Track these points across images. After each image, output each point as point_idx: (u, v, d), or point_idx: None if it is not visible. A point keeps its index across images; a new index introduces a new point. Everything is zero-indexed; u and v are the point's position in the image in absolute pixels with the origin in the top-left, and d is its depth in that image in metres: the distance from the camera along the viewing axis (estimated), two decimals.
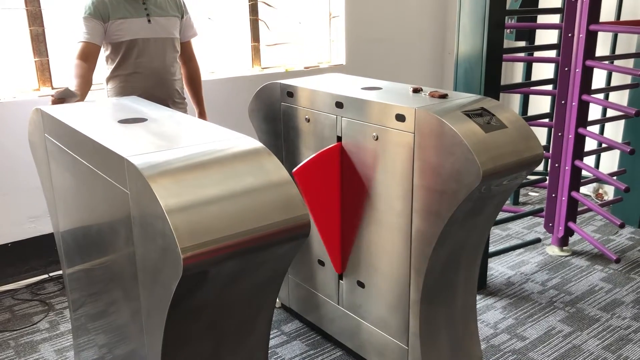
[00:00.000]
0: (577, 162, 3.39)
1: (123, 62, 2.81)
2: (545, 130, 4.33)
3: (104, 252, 1.80)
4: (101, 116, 1.97)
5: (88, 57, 2.71)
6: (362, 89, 2.43)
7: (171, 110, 2.08)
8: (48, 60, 3.30)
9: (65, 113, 1.98)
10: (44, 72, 3.30)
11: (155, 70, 2.84)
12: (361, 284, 2.47)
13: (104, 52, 2.82)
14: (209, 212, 1.36)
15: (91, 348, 2.16)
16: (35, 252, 3.35)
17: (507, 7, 3.04)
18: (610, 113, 3.78)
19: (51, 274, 3.39)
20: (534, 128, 2.22)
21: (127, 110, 2.04)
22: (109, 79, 2.87)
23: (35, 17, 3.22)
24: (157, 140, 1.65)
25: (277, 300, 3.02)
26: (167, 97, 2.88)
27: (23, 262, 3.35)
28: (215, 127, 1.78)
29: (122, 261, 1.64)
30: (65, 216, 2.09)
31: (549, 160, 3.53)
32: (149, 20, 2.79)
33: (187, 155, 1.49)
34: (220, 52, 4.00)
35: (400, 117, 2.09)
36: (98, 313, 2.02)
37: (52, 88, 3.32)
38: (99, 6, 2.71)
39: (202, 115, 3.16)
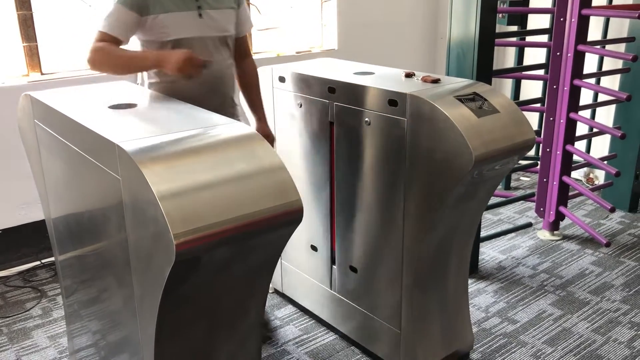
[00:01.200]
0: (568, 147, 3.40)
1: None
2: (536, 115, 4.34)
3: (96, 238, 1.79)
4: (91, 102, 1.96)
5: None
6: (355, 74, 2.42)
7: (162, 96, 2.06)
8: (37, 45, 3.26)
9: (55, 99, 1.96)
10: (33, 57, 3.26)
11: (208, 76, 2.17)
12: (354, 269, 2.48)
13: None
14: (201, 198, 1.35)
15: (84, 334, 2.16)
16: (27, 239, 3.33)
17: None
18: (602, 97, 3.79)
19: (43, 261, 3.38)
20: (525, 113, 2.23)
21: (118, 96, 2.02)
22: (149, 86, 2.29)
23: (23, 1, 3.17)
24: (149, 125, 1.64)
25: (270, 285, 3.03)
26: (220, 107, 2.22)
27: (15, 249, 3.33)
28: (206, 113, 1.77)
29: (115, 247, 1.63)
30: (57, 203, 2.08)
31: (541, 145, 3.54)
32: (200, 15, 2.19)
33: (178, 141, 1.49)
34: None
35: (393, 102, 2.09)
36: (91, 299, 2.02)
37: (42, 74, 3.28)
38: None
39: (261, 121, 2.51)
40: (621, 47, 3.79)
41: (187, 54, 1.98)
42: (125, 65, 2.14)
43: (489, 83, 2.88)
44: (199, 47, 2.18)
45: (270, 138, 2.48)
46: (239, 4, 2.33)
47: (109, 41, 2.09)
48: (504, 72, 3.94)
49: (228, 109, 2.33)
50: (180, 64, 1.96)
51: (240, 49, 2.43)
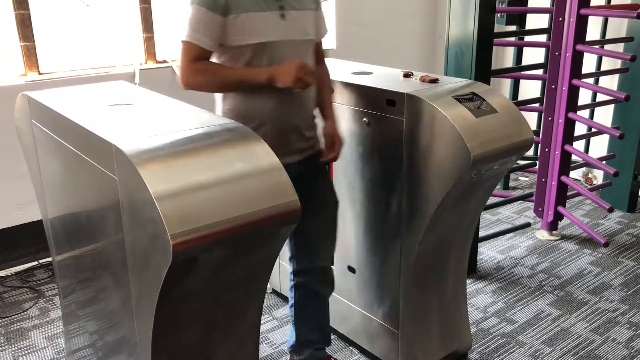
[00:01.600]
0: (566, 147, 3.40)
1: None
2: (535, 115, 4.34)
3: (93, 238, 1.79)
4: (88, 102, 1.95)
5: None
6: (353, 73, 2.42)
7: (159, 95, 2.05)
8: (34, 45, 3.25)
9: (52, 99, 1.95)
10: (31, 57, 3.26)
11: (290, 87, 1.91)
12: (352, 269, 2.48)
13: (216, 59, 1.95)
14: (198, 198, 1.35)
15: (82, 335, 2.16)
16: (24, 239, 3.33)
17: None
18: (600, 97, 3.79)
19: (41, 261, 3.38)
20: (524, 113, 2.22)
21: (115, 95, 2.01)
22: (224, 96, 2.03)
23: (21, 1, 3.16)
24: (146, 126, 1.63)
25: (268, 285, 3.03)
26: (302, 123, 2.05)
27: (12, 249, 3.33)
28: (204, 113, 1.76)
29: (112, 248, 1.63)
30: (54, 203, 2.08)
31: (539, 144, 3.54)
32: (283, 15, 1.93)
33: (176, 141, 1.48)
34: None
35: (391, 102, 2.08)
36: (88, 300, 2.01)
37: (39, 73, 3.28)
38: None
39: (330, 120, 2.16)
40: (620, 47, 3.79)
41: (298, 62, 1.84)
42: (234, 87, 1.94)
43: (488, 83, 2.88)
44: (285, 52, 1.93)
45: (336, 139, 2.12)
46: (317, 5, 2.10)
47: (200, 55, 1.86)
48: (503, 72, 3.94)
49: (310, 126, 2.10)
50: (295, 74, 1.83)
51: (318, 55, 2.16)
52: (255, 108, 1.96)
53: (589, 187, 4.18)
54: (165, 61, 3.64)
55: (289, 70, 1.83)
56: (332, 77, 2.35)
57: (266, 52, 1.91)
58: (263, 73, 1.88)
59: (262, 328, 2.72)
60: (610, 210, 3.35)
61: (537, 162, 3.60)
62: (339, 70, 2.52)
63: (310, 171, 2.10)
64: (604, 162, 3.54)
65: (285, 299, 2.99)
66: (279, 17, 1.93)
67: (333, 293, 2.29)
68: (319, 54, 2.19)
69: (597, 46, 3.63)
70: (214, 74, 1.90)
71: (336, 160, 2.15)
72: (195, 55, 1.86)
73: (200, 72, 1.88)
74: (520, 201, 4.04)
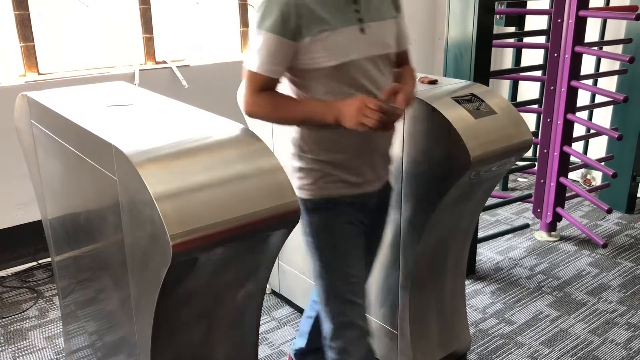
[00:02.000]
0: (565, 148, 3.41)
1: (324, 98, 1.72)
2: (534, 116, 4.34)
3: (92, 239, 1.79)
4: (88, 102, 1.95)
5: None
6: None
7: (158, 96, 2.05)
8: (34, 45, 3.26)
9: (52, 99, 1.95)
10: (30, 57, 3.26)
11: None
12: None
13: (286, 82, 1.76)
14: (198, 198, 1.35)
15: (81, 335, 2.16)
16: (23, 240, 3.33)
17: None
18: (599, 99, 3.80)
19: (40, 261, 3.38)
20: (523, 114, 2.23)
21: (114, 96, 2.02)
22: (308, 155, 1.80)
23: (20, 1, 3.16)
24: (146, 126, 1.64)
25: (268, 286, 3.03)
26: (385, 150, 1.85)
27: (11, 250, 3.33)
28: (204, 113, 1.77)
29: (111, 248, 1.63)
30: (53, 203, 2.08)
31: (538, 146, 3.55)
32: (362, 30, 1.69)
33: (175, 142, 1.48)
34: (209, 36, 3.96)
35: None
36: (87, 300, 2.01)
37: (39, 74, 3.28)
38: (289, 14, 1.60)
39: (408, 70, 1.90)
40: (618, 49, 3.80)
41: (358, 103, 1.58)
42: (298, 124, 1.76)
43: (487, 84, 2.88)
44: (362, 70, 1.70)
45: (404, 90, 1.70)
46: (397, 10, 1.81)
47: (267, 85, 1.67)
48: (502, 73, 3.94)
49: (390, 153, 1.88)
50: (357, 118, 1.58)
51: (402, 63, 1.90)
52: (335, 137, 1.73)
53: (588, 188, 4.19)
54: (164, 62, 3.65)
55: (350, 113, 1.59)
56: None
57: (342, 73, 1.68)
58: (328, 114, 1.65)
59: (261, 329, 2.72)
60: (609, 211, 3.35)
61: (536, 163, 3.60)
62: None
63: (386, 201, 1.98)
64: (602, 163, 3.55)
65: (285, 299, 2.99)
66: (358, 31, 1.68)
67: None
68: (404, 62, 1.90)
69: (595, 48, 3.64)
70: (278, 109, 1.71)
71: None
72: (261, 86, 1.68)
73: (265, 105, 1.70)
74: (519, 202, 4.05)
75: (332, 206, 1.81)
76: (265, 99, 1.69)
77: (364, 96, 1.62)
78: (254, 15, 1.67)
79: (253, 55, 1.65)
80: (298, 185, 1.81)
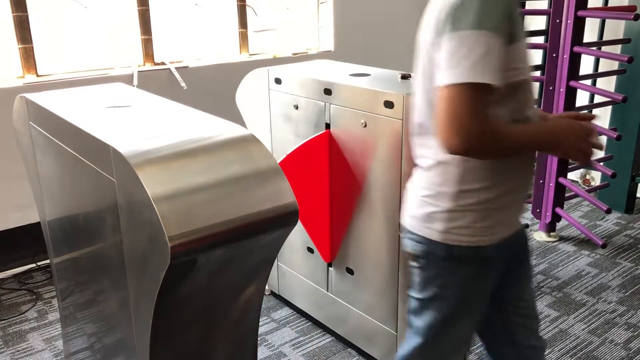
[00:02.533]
0: None
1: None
2: None
3: (91, 240, 1.79)
4: (86, 104, 1.95)
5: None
6: (351, 75, 2.42)
7: (157, 97, 2.05)
8: (32, 47, 3.25)
9: (50, 101, 1.95)
10: (29, 59, 3.26)
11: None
12: (350, 271, 2.48)
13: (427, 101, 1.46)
14: (196, 200, 1.35)
15: (80, 337, 2.15)
16: (22, 241, 3.32)
17: None
18: (598, 99, 3.80)
19: (39, 263, 3.37)
20: None
21: (113, 98, 2.01)
22: (466, 200, 1.46)
23: (19, 3, 3.16)
24: (144, 127, 1.63)
25: (267, 287, 3.03)
26: (528, 188, 1.65)
27: (10, 252, 3.32)
28: (202, 115, 1.77)
29: (110, 250, 1.63)
30: (52, 205, 2.08)
31: None
32: (527, 47, 1.46)
33: (174, 143, 1.48)
34: (208, 38, 3.96)
35: (389, 104, 2.09)
36: (86, 302, 2.01)
37: (37, 75, 3.27)
38: (509, 11, 1.31)
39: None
40: (617, 49, 3.80)
41: (581, 126, 1.38)
42: (520, 150, 1.44)
43: None
44: (529, 93, 1.45)
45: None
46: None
47: (487, 102, 1.29)
48: None
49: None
50: (581, 142, 1.37)
51: None
52: (516, 162, 1.46)
53: (587, 188, 4.19)
54: (163, 63, 3.64)
55: (570, 138, 1.35)
56: (329, 79, 2.35)
57: (521, 91, 1.41)
58: (550, 138, 1.40)
59: (260, 330, 2.72)
60: (608, 211, 3.35)
61: (535, 163, 3.60)
62: (337, 72, 2.53)
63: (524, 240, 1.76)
64: (601, 163, 3.55)
65: (284, 300, 2.99)
66: (526, 47, 1.42)
67: (332, 294, 2.29)
68: None
69: (594, 48, 3.64)
70: (509, 134, 1.34)
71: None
72: (485, 104, 1.28)
73: (498, 140, 1.31)
74: None
75: (486, 256, 1.50)
76: (499, 127, 1.31)
77: (575, 121, 1.43)
78: (451, 16, 1.29)
79: (461, 64, 1.25)
80: (442, 228, 1.47)
